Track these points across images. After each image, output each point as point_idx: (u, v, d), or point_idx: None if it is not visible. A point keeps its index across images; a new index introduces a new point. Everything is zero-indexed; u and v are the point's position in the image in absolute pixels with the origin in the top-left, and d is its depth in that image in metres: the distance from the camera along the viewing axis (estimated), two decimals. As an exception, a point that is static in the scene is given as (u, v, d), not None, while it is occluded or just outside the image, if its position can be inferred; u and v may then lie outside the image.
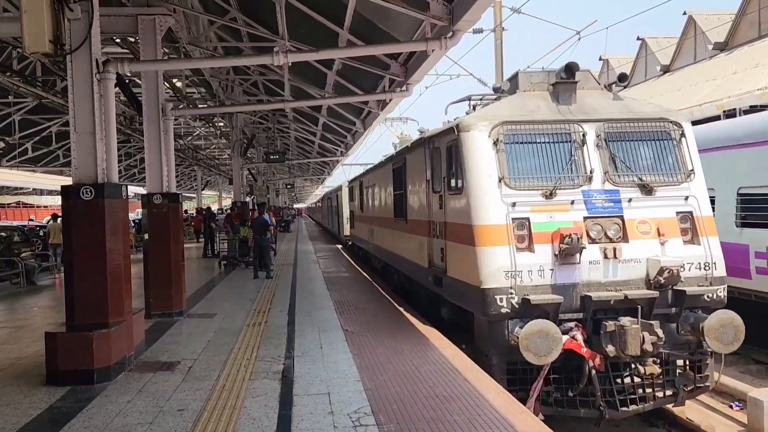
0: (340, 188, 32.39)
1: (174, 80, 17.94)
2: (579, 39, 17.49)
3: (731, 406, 8.70)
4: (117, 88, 10.74)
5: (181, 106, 15.80)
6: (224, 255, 20.62)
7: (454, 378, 6.84)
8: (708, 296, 7.57)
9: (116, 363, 7.18)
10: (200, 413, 5.83)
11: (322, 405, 6.00)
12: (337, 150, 28.80)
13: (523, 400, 6.91)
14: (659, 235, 7.71)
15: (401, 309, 11.43)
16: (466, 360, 7.70)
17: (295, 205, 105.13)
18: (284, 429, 5.37)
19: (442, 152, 9.28)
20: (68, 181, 7.45)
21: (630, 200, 7.85)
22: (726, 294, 7.77)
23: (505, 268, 7.49)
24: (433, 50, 8.77)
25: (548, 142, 8.01)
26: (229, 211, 27.31)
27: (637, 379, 7.65)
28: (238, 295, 13.56)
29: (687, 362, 7.94)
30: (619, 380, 7.59)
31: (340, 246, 30.49)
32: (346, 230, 28.74)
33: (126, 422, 5.67)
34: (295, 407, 5.95)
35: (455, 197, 8.67)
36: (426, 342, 8.64)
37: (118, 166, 35.20)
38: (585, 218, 7.75)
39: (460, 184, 8.48)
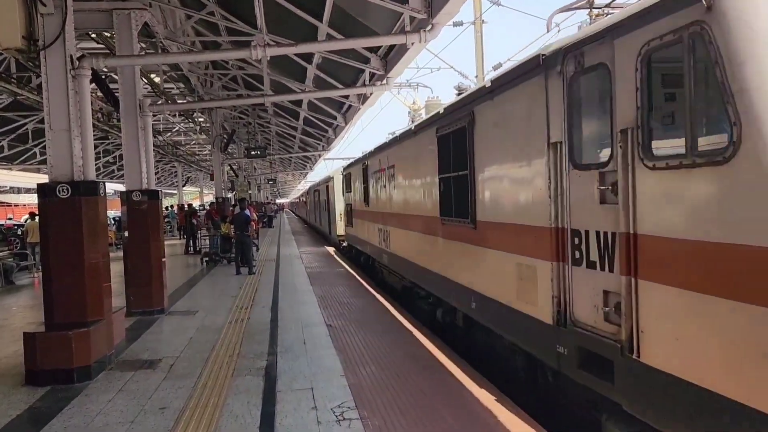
0: (330, 178, 26.76)
1: (152, 75, 17.73)
2: (558, 31, 17.59)
3: None
4: (93, 84, 10.61)
5: (159, 102, 15.64)
6: (206, 251, 20.47)
7: (438, 372, 6.86)
8: None
9: (96, 362, 7.10)
10: (182, 411, 5.78)
11: (305, 401, 5.98)
12: (319, 144, 28.67)
13: None
14: None
15: (386, 304, 11.44)
16: (451, 354, 7.72)
17: (278, 200, 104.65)
18: (267, 426, 5.35)
19: (634, 71, 4.06)
20: (45, 179, 7.33)
21: None
22: None
23: None
24: (412, 43, 8.74)
25: None
26: (209, 207, 27.10)
27: None
28: (220, 291, 13.48)
29: None
30: None
31: (331, 249, 24.86)
32: (340, 229, 23.76)
33: (107, 421, 5.62)
34: (279, 403, 5.93)
35: (687, 174, 3.63)
36: (410, 336, 8.65)
37: (96, 164, 34.59)
38: None
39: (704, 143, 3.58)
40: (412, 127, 10.56)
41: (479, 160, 7.11)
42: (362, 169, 16.29)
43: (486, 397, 5.94)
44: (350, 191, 19.40)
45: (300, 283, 14.44)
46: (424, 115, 15.68)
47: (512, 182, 6.28)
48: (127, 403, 6.09)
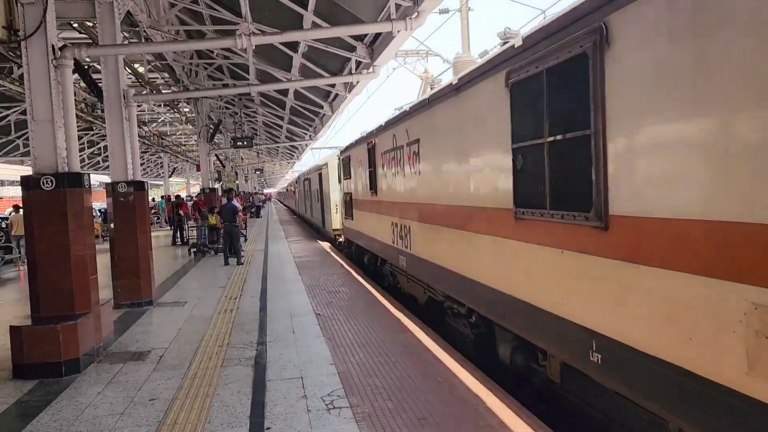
0: (324, 165, 23.58)
1: (136, 65, 17.55)
2: (544, 18, 17.58)
3: None
4: (76, 75, 10.49)
5: (144, 92, 15.49)
6: (193, 242, 20.38)
7: (426, 358, 6.90)
8: None
9: (85, 355, 7.08)
10: (172, 402, 5.79)
11: (295, 389, 6.01)
12: (306, 134, 28.57)
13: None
14: None
15: (374, 292, 11.47)
16: (439, 340, 7.77)
17: (265, 190, 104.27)
18: (258, 414, 5.37)
19: None
20: (29, 171, 7.27)
21: None
22: None
23: None
24: (398, 31, 8.72)
25: None
26: (195, 198, 26.82)
27: None
28: (208, 282, 13.45)
29: None
30: None
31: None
32: (336, 222, 20.80)
33: (96, 414, 5.61)
34: (269, 392, 5.95)
35: None
36: (398, 323, 8.69)
37: (81, 155, 34.20)
38: None
39: None
40: (453, 82, 7.37)
41: (620, 110, 4.05)
42: (367, 150, 12.88)
43: (473, 383, 5.99)
44: (349, 178, 16.07)
45: (289, 272, 14.44)
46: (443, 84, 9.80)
47: (707, 147, 3.31)
48: (116, 395, 6.09)
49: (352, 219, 16.04)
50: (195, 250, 19.34)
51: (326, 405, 5.53)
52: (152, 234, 11.70)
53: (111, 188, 10.50)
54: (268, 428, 5.07)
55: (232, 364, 6.98)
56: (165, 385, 6.33)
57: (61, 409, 5.78)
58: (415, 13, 8.46)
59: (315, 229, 29.65)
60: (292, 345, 7.70)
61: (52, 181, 6.98)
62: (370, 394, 5.79)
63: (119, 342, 8.29)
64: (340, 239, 20.16)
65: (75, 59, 7.64)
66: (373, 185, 12.61)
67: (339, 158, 18.55)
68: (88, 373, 6.92)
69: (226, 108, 28.00)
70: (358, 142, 14.60)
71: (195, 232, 20.93)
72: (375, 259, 14.36)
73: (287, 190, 71.40)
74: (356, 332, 8.23)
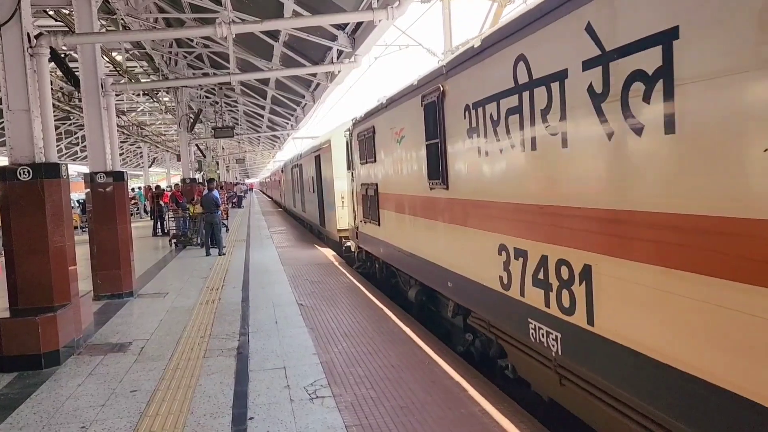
0: (326, 144, 17.23)
1: (114, 54, 17.30)
2: (525, 5, 17.58)
3: None
4: (52, 63, 10.31)
5: (122, 81, 15.27)
6: (174, 233, 20.21)
7: (409, 347, 6.94)
8: None
9: (65, 347, 7.01)
10: (154, 393, 5.76)
11: (278, 379, 6.01)
12: (287, 123, 28.41)
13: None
14: None
15: (356, 282, 11.49)
16: (422, 329, 7.81)
17: (247, 180, 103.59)
18: (240, 405, 5.37)
19: None
20: (5, 161, 7.15)
21: None
22: None
23: None
24: (380, 20, 8.69)
25: None
26: (173, 188, 26.40)
27: None
28: (190, 273, 13.36)
29: None
30: None
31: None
32: (341, 222, 15.81)
33: (77, 405, 5.57)
34: (251, 383, 5.95)
35: None
36: (381, 313, 8.72)
37: (59, 145, 33.64)
38: None
39: None
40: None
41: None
42: (424, 109, 7.39)
43: (455, 372, 6.04)
44: (372, 161, 10.55)
45: (271, 263, 14.39)
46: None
47: None
48: (97, 387, 6.05)
49: (379, 225, 10.46)
50: (174, 241, 19.17)
51: (309, 395, 5.55)
52: (133, 225, 11.59)
53: (89, 178, 10.37)
54: (251, 418, 5.08)
55: (215, 354, 6.97)
56: (146, 376, 6.30)
57: (41, 402, 5.73)
58: (397, 2, 8.43)
59: (308, 228, 23.94)
60: (274, 335, 7.69)
61: (28, 171, 6.88)
62: (352, 383, 5.81)
63: (100, 333, 8.22)
64: (348, 244, 14.81)
65: (51, 47, 7.51)
66: (441, 172, 6.89)
67: (350, 134, 12.71)
68: (68, 365, 6.86)
69: (207, 97, 27.73)
70: (387, 107, 9.20)
71: (174, 224, 20.69)
72: (423, 292, 8.85)
73: (271, 179, 63.67)
74: (338, 322, 8.25)
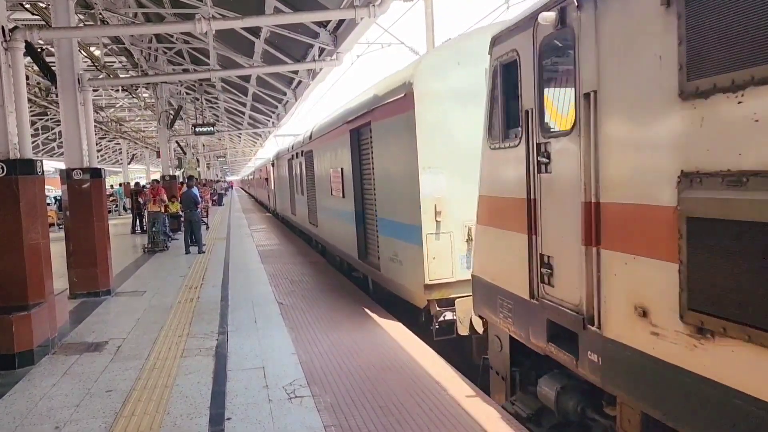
0: (401, 90, 7.75)
1: (92, 49, 17.05)
2: (507, 8, 17.65)
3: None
4: (28, 58, 10.13)
5: (101, 77, 15.06)
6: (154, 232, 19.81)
7: (390, 347, 6.93)
8: None
9: (39, 346, 6.89)
10: (129, 393, 5.69)
11: (256, 379, 5.96)
12: (269, 120, 28.25)
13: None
14: None
15: (338, 281, 11.45)
16: (403, 329, 7.79)
17: (228, 178, 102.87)
18: (218, 405, 5.32)
19: None
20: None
21: None
22: None
23: None
24: (362, 18, 8.65)
25: None
26: (149, 186, 24.65)
27: None
28: (168, 271, 13.23)
29: None
30: None
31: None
32: (439, 269, 7.35)
33: (51, 405, 5.48)
34: (229, 382, 5.90)
35: None
36: (362, 312, 8.70)
37: (35, 141, 33.00)
38: None
39: None
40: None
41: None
42: None
43: (436, 372, 6.04)
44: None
45: (251, 261, 14.30)
46: None
47: None
48: (72, 387, 5.95)
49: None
50: (150, 245, 17.35)
51: (288, 394, 5.51)
52: (111, 222, 11.44)
53: (66, 175, 10.21)
54: (228, 418, 5.03)
55: (192, 354, 6.90)
56: (122, 376, 6.22)
57: (14, 402, 5.62)
58: (379, 1, 8.40)
59: (320, 249, 16.23)
60: (253, 334, 7.64)
61: (3, 168, 6.75)
62: (332, 383, 5.78)
63: (75, 332, 8.10)
64: (440, 313, 7.39)
65: (27, 41, 7.37)
66: None
67: (496, 62, 5.13)
68: (43, 364, 6.75)
69: (187, 94, 27.43)
70: None
71: (152, 224, 19.40)
72: None
73: (256, 176, 49.08)
74: (318, 321, 8.21)
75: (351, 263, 11.61)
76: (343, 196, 11.28)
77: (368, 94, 9.70)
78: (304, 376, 6.01)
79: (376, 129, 9.05)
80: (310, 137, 15.10)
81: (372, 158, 9.39)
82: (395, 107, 8.00)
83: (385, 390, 5.55)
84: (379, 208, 9.24)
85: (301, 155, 16.99)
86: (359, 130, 10.10)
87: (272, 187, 29.60)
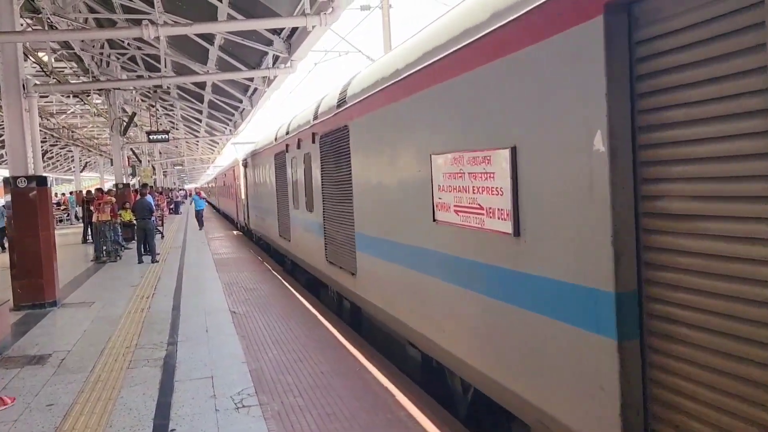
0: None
1: (40, 54, 16.63)
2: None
3: None
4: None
5: (52, 82, 14.68)
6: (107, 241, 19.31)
7: (341, 353, 6.91)
8: None
9: (-23, 360, 6.66)
10: (71, 407, 5.53)
11: (204, 389, 5.88)
12: (226, 128, 27.99)
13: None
14: None
15: (291, 289, 11.38)
16: (355, 336, 7.80)
17: (186, 186, 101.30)
18: (162, 416, 5.22)
19: None
20: None
21: None
22: None
23: None
24: (313, 26, 8.67)
25: None
26: (95, 193, 23.28)
27: None
28: (119, 281, 12.93)
29: None
30: None
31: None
32: None
33: (-13, 422, 5.29)
34: (176, 393, 5.80)
35: None
36: (314, 319, 8.66)
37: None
38: None
39: None
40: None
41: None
42: None
43: (385, 377, 6.05)
44: None
45: (206, 270, 14.10)
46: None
47: None
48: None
49: None
50: (105, 248, 17.56)
51: (235, 404, 5.45)
52: (63, 231, 11.14)
53: (10, 183, 9.92)
54: (172, 430, 4.94)
55: (140, 365, 6.75)
56: (65, 389, 6.05)
57: (-53, 419, 5.41)
58: (330, 9, 8.44)
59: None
60: (204, 344, 7.53)
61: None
62: (281, 391, 5.74)
63: (17, 345, 7.85)
64: None
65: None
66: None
67: None
68: (-19, 379, 6.52)
69: (142, 101, 26.99)
70: None
71: (99, 234, 18.35)
72: None
73: (222, 183, 39.46)
74: (271, 329, 8.14)
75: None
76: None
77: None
78: (253, 384, 5.95)
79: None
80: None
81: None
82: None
83: (335, 396, 5.53)
84: None
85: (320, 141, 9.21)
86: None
87: (244, 197, 22.75)
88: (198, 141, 39.76)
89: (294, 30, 11.38)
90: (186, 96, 23.26)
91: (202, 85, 19.59)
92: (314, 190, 9.71)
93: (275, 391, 5.75)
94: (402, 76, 5.66)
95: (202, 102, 22.95)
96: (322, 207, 9.29)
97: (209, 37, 13.84)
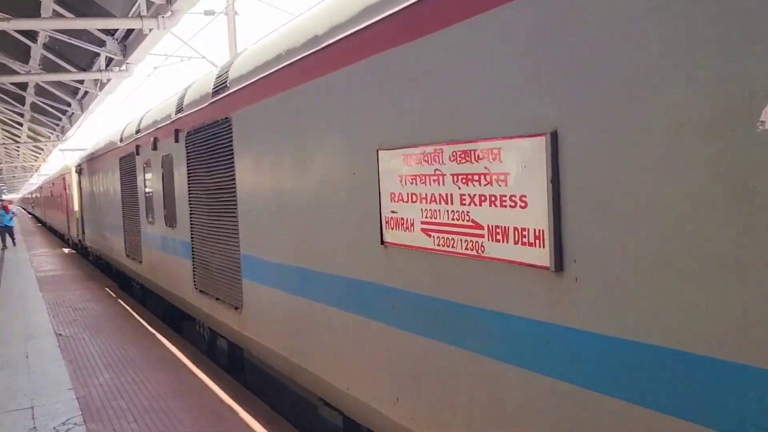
0: None
1: None
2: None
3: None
4: None
5: None
6: None
7: (181, 373, 6.60)
8: None
9: None
10: None
11: (23, 421, 5.33)
12: (53, 133, 25.69)
13: None
14: None
15: (127, 307, 10.69)
16: (196, 353, 7.49)
17: (5, 196, 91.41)
18: (-30, 456, 4.66)
19: None
20: None
21: None
22: None
23: None
24: (150, 29, 8.26)
25: None
26: None
27: None
28: None
29: None
30: None
31: None
32: None
33: None
34: (-12, 429, 5.20)
35: None
36: (153, 338, 8.20)
37: None
38: None
39: None
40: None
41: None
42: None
43: (227, 395, 5.88)
44: None
45: (27, 289, 12.79)
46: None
47: None
48: None
49: None
50: None
51: (60, 435, 5.00)
52: None
53: None
54: (-18, 471, 4.42)
55: (-58, 400, 5.97)
56: None
57: None
58: (169, 12, 8.10)
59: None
60: (23, 372, 6.83)
61: None
62: (113, 417, 5.36)
63: None
64: None
65: None
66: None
67: None
68: None
69: (-51, 100, 23.96)
70: None
71: None
72: None
73: (50, 192, 33.85)
74: (103, 352, 7.58)
75: None
76: None
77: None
78: (81, 412, 5.49)
79: None
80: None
81: None
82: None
83: (172, 419, 5.27)
84: None
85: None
86: None
87: (78, 209, 19.21)
88: (18, 147, 36.06)
89: (130, 31, 10.76)
90: (5, 97, 21.02)
91: (23, 86, 17.82)
92: (177, 201, 7.75)
93: (106, 418, 5.36)
94: (325, 44, 4.02)
95: (23, 104, 20.87)
96: (189, 222, 7.33)
97: (32, 34, 12.65)
